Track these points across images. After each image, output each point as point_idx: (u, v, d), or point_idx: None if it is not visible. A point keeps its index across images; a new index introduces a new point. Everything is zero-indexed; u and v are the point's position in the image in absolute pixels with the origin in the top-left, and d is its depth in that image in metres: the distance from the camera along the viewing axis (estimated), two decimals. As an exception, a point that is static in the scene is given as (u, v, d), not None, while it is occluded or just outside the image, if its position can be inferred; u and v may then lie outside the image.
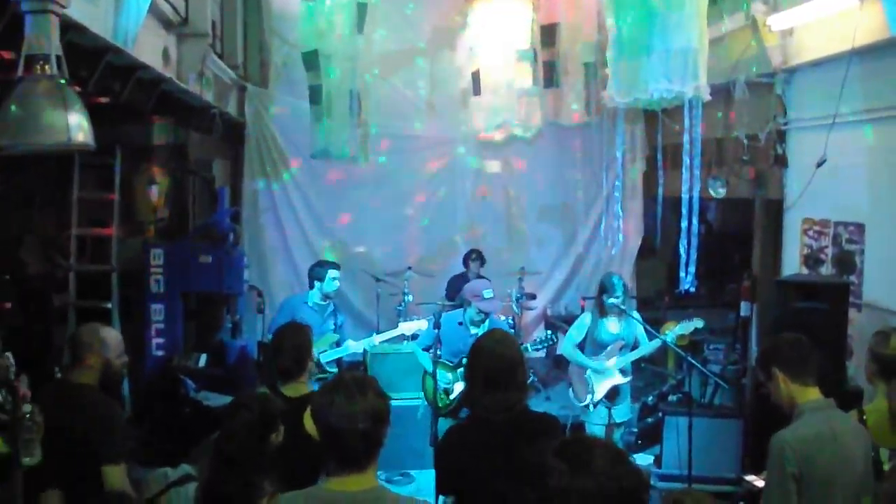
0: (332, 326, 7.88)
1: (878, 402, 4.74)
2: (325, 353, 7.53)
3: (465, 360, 7.03)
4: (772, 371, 4.11)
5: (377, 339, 8.05)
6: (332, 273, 7.96)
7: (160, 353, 8.70)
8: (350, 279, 11.84)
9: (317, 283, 7.91)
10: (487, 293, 7.14)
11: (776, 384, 4.10)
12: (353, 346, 7.91)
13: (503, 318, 10.44)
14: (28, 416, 3.55)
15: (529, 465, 3.14)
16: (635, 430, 9.07)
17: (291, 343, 5.03)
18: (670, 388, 9.75)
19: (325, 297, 7.92)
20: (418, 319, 8.79)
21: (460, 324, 7.19)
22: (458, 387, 7.09)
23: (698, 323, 7.52)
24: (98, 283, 8.39)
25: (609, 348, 7.50)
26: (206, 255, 8.91)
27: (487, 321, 7.23)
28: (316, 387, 5.03)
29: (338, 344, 7.80)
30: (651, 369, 9.91)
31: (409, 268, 10.93)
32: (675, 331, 7.29)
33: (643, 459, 8.80)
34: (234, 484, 3.64)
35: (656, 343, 7.33)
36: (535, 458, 2.68)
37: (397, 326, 8.51)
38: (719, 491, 7.49)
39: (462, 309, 7.35)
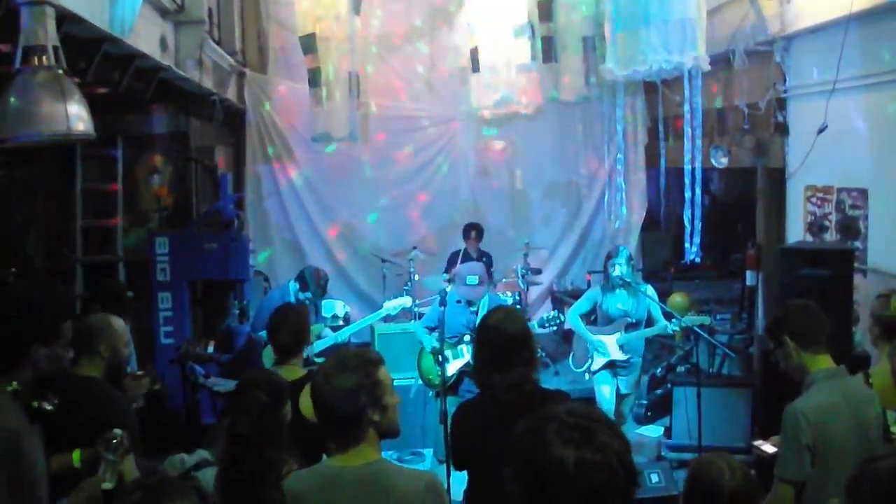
0: (314, 318, 7.83)
1: (882, 364, 4.75)
2: (310, 345, 7.54)
3: (466, 338, 7.13)
4: (782, 339, 4.09)
5: (348, 332, 8.02)
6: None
7: (169, 341, 8.72)
8: (356, 260, 11.90)
9: (306, 294, 7.86)
10: (471, 279, 7.14)
11: (787, 352, 4.08)
12: (330, 336, 7.85)
13: (508, 293, 10.47)
14: (116, 439, 3.60)
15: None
16: (645, 401, 9.11)
17: (291, 320, 5.07)
18: (678, 359, 9.78)
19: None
20: (403, 297, 8.84)
21: (459, 302, 7.23)
22: (457, 363, 7.14)
23: (705, 319, 7.56)
24: (105, 273, 8.42)
25: (615, 323, 7.53)
26: (211, 243, 8.94)
27: (486, 298, 7.27)
28: None
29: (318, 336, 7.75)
30: (659, 341, 9.92)
31: (415, 247, 10.93)
32: (683, 321, 7.31)
33: (653, 431, 8.85)
34: (252, 463, 3.66)
35: (671, 325, 7.38)
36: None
37: (382, 307, 8.53)
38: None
39: (455, 287, 7.39)
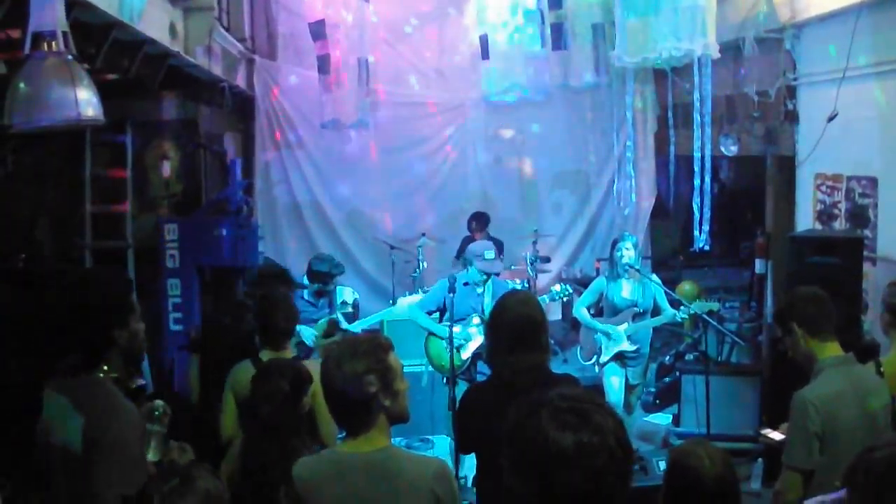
0: (327, 311, 7.81)
1: (893, 352, 4.74)
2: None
3: (475, 320, 7.13)
4: (790, 326, 4.09)
5: (359, 326, 7.98)
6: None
7: (178, 327, 8.73)
8: (364, 248, 11.90)
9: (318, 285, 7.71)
10: (489, 254, 7.16)
11: (795, 339, 4.08)
12: (344, 326, 7.79)
13: (517, 281, 10.46)
14: (158, 411, 3.61)
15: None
16: (653, 389, 9.11)
17: (286, 306, 5.11)
18: (687, 347, 9.78)
19: (320, 294, 7.75)
20: (421, 292, 8.85)
21: (466, 284, 7.23)
22: (471, 346, 7.13)
23: (714, 305, 7.53)
24: (114, 260, 8.43)
25: (622, 314, 7.51)
26: (221, 229, 8.92)
27: (491, 284, 7.28)
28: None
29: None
30: (667, 329, 9.91)
31: (423, 234, 10.93)
32: (691, 307, 7.29)
33: (661, 419, 8.85)
34: (270, 450, 3.67)
35: (679, 313, 7.36)
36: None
37: (396, 303, 8.50)
38: (738, 448, 7.55)
39: (466, 269, 7.38)
